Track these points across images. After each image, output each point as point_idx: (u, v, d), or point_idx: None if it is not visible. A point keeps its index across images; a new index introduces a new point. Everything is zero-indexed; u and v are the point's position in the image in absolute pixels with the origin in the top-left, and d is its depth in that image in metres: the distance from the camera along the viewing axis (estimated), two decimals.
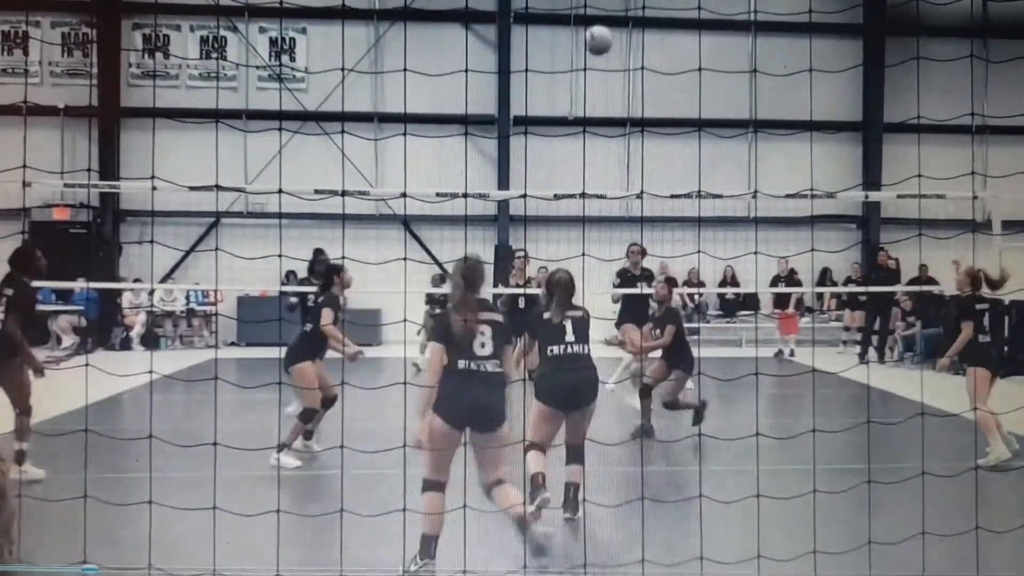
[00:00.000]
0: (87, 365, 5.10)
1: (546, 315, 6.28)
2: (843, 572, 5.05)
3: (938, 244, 10.16)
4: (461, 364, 5.03)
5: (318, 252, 9.78)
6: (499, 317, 5.27)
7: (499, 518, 5.93)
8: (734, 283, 18.86)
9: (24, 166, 5.98)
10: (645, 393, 8.74)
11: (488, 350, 5.07)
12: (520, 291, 11.41)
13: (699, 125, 14.74)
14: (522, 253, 12.57)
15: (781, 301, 17.59)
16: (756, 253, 6.62)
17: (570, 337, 6.16)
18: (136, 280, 18.11)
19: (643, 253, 10.83)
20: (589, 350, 6.25)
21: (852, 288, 17.61)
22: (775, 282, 17.92)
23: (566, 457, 6.18)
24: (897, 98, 19.30)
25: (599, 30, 6.63)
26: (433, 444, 4.99)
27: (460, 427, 5.02)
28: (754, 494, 5.40)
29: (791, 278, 17.88)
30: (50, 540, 5.56)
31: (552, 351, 6.18)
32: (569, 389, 6.12)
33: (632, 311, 10.66)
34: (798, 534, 5.50)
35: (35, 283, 8.02)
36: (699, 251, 6.14)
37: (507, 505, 5.07)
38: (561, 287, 6.29)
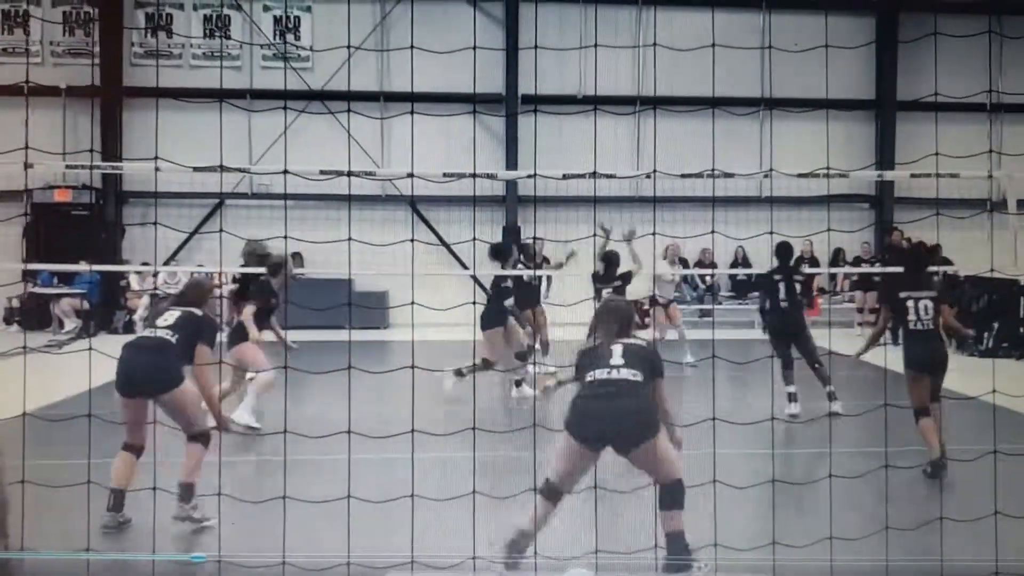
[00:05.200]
0: (90, 349, 5.00)
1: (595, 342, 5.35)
2: (860, 558, 4.96)
3: (951, 223, 9.99)
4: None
5: None
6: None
7: (507, 504, 5.83)
8: (745, 264, 18.70)
9: (26, 147, 5.88)
10: None
11: None
12: (523, 272, 11.34)
13: (712, 103, 14.51)
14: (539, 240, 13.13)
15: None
16: (772, 233, 6.51)
17: (617, 360, 5.11)
18: (144, 263, 18.00)
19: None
20: (642, 380, 5.07)
21: (863, 269, 17.42)
22: (798, 263, 17.65)
23: (658, 502, 5.06)
24: (910, 76, 19.05)
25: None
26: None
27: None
28: (769, 479, 5.31)
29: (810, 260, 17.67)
30: (54, 526, 5.48)
31: (592, 376, 5.11)
32: (600, 420, 4.96)
33: None
34: (814, 519, 5.40)
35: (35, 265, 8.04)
36: (712, 231, 5.96)
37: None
38: (611, 315, 5.42)
